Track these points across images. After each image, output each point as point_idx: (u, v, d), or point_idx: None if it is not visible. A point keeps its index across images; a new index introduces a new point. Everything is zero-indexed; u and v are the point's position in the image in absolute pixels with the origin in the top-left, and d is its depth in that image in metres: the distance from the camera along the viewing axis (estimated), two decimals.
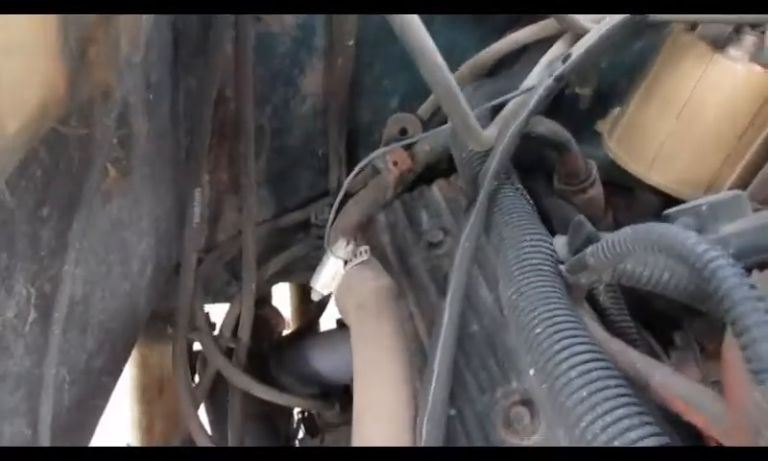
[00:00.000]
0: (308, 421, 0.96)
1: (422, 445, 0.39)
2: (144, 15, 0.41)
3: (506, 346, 0.49)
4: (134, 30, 0.41)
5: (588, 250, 0.43)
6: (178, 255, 0.67)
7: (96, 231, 0.42)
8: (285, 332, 1.02)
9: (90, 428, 0.49)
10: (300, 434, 0.94)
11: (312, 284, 0.52)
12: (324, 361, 0.78)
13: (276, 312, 1.02)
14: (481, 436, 0.47)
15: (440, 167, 0.72)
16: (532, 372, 0.41)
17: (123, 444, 0.84)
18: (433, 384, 0.41)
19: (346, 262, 0.52)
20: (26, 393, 0.34)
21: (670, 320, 0.56)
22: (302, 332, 0.94)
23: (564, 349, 0.37)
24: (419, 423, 0.41)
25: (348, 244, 0.52)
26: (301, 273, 0.93)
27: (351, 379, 0.79)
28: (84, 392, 0.44)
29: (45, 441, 0.35)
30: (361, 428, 0.39)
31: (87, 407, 0.45)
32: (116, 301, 0.48)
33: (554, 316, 0.40)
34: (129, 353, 0.56)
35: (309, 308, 1.39)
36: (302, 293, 1.41)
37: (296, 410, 0.92)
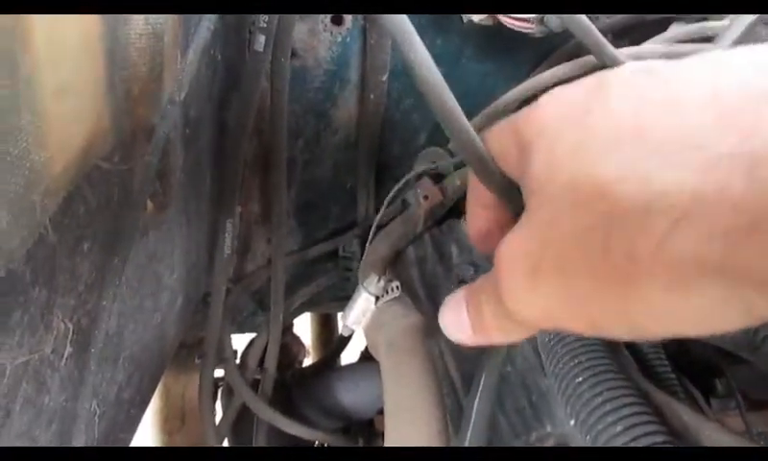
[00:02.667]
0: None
1: None
2: (188, 54, 0.42)
3: (540, 388, 0.48)
4: (178, 67, 0.42)
5: None
6: (206, 286, 0.67)
7: (133, 265, 0.42)
8: (306, 361, 1.01)
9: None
10: None
11: (343, 320, 0.52)
12: (348, 395, 0.77)
13: (298, 341, 1.01)
14: None
15: None
16: (572, 423, 0.39)
17: None
18: (470, 430, 0.40)
19: (377, 298, 0.51)
20: (59, 428, 0.34)
21: (710, 367, 0.54)
22: (326, 364, 0.93)
23: (606, 401, 0.36)
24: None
25: (379, 280, 0.51)
26: (326, 304, 0.93)
27: (375, 414, 0.78)
28: (113, 425, 0.44)
29: None
30: None
31: (115, 440, 0.45)
32: (147, 333, 0.48)
33: (595, 364, 0.38)
34: (156, 385, 0.56)
35: (330, 338, 1.38)
36: (323, 322, 1.40)
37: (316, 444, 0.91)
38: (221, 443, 0.61)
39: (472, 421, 0.40)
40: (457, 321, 0.31)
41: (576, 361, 0.40)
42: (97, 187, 0.33)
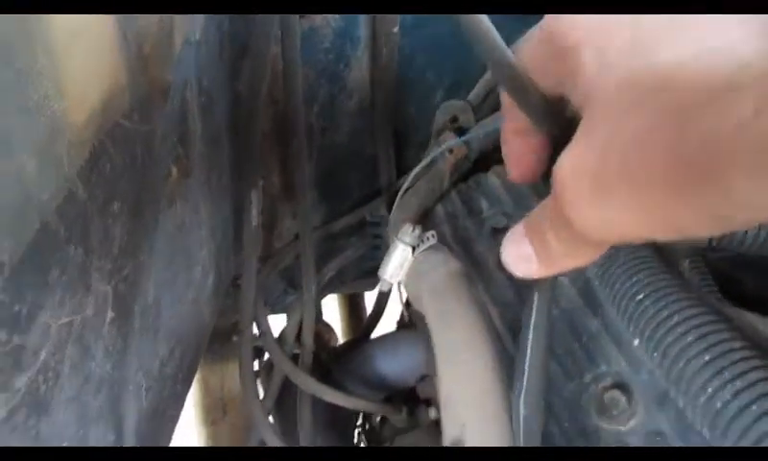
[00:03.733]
0: (369, 432, 0.94)
1: (521, 428, 0.37)
2: (196, 18, 0.41)
3: (589, 329, 0.46)
4: (187, 26, 0.41)
5: None
6: (236, 268, 0.67)
7: (163, 235, 0.41)
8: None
9: (166, 439, 0.48)
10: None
11: (380, 274, 0.50)
12: (388, 364, 0.76)
13: (329, 327, 1.01)
14: (574, 424, 0.44)
15: (495, 155, 0.70)
16: (636, 342, 0.38)
17: None
18: (528, 361, 0.38)
19: (413, 249, 0.50)
20: (108, 396, 0.33)
21: (764, 303, 0.52)
22: (361, 340, 0.92)
23: (675, 313, 0.34)
24: (513, 405, 0.38)
25: (413, 229, 0.50)
26: (353, 282, 0.92)
27: (417, 381, 0.76)
28: (159, 399, 0.43)
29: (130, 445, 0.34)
30: (452, 414, 0.36)
31: (164, 416, 0.45)
32: (183, 308, 0.48)
33: (657, 280, 0.37)
34: (197, 364, 0.56)
35: (359, 323, 1.38)
36: (351, 307, 1.40)
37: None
38: (267, 419, 0.60)
39: (527, 369, 0.38)
40: (521, 255, 0.29)
41: (634, 280, 0.39)
42: (121, 146, 0.33)
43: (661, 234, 0.23)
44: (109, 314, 0.32)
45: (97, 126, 0.29)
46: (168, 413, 0.46)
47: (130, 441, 0.34)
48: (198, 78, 0.44)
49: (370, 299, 1.08)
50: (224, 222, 0.58)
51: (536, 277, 0.30)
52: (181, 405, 0.50)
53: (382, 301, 0.84)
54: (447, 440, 0.36)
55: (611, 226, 0.24)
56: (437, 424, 0.76)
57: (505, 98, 0.31)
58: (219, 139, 0.53)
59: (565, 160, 0.24)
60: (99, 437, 0.33)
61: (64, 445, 0.29)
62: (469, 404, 0.36)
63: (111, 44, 0.30)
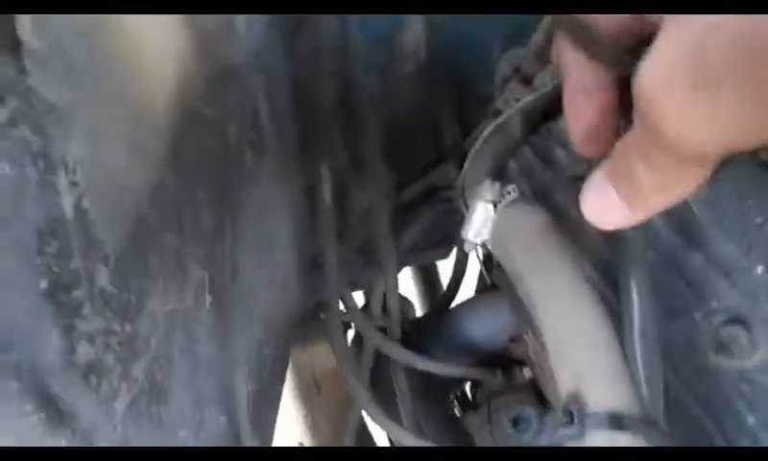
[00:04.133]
0: (462, 398, 0.93)
1: (641, 375, 0.35)
2: None
3: (694, 265, 0.43)
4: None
5: None
6: (313, 248, 0.67)
7: (247, 219, 0.41)
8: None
9: (273, 422, 0.49)
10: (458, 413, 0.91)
11: (463, 235, 0.49)
12: (476, 327, 0.75)
13: (406, 300, 1.00)
14: (689, 366, 0.41)
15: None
16: (760, 270, 0.34)
17: (296, 443, 0.86)
18: (635, 304, 0.36)
19: (495, 205, 0.47)
20: (218, 380, 0.34)
21: None
22: (445, 307, 0.91)
23: None
24: (628, 352, 0.36)
25: (493, 185, 0.48)
26: (428, 252, 0.91)
27: (507, 342, 0.75)
28: (261, 381, 0.44)
29: (246, 427, 0.35)
30: (565, 369, 0.34)
31: (268, 398, 0.45)
32: (274, 290, 0.48)
33: None
34: (290, 346, 0.56)
35: (435, 295, 1.37)
36: (426, 279, 1.39)
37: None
38: (367, 391, 0.60)
39: (636, 313, 0.35)
40: (604, 205, 0.26)
41: (749, 203, 0.35)
42: (198, 132, 0.33)
43: None
44: (208, 299, 0.33)
45: (175, 111, 0.29)
46: (271, 394, 0.46)
47: (244, 423, 0.35)
48: (258, 56, 0.44)
49: (445, 272, 1.07)
50: (298, 202, 0.58)
51: (627, 225, 0.27)
52: (281, 386, 0.51)
53: (460, 268, 0.82)
54: (564, 395, 0.34)
55: (720, 128, 0.20)
56: (532, 384, 0.74)
57: (563, 55, 0.28)
58: (284, 118, 0.52)
59: (651, 66, 0.21)
60: (213, 420, 0.33)
61: (183, 432, 0.30)
62: (584, 354, 0.34)
63: (180, 26, 0.30)
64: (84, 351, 0.20)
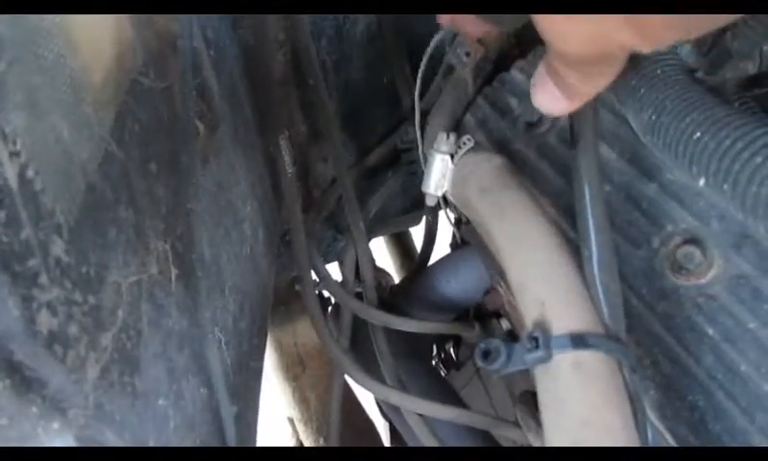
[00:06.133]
0: (446, 360, 0.94)
1: (600, 294, 0.36)
2: None
3: (647, 195, 0.44)
4: None
5: (728, 33, 0.37)
6: (283, 222, 0.67)
7: (205, 193, 0.41)
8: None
9: (256, 392, 0.50)
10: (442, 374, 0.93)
11: (424, 189, 0.49)
12: (451, 284, 0.76)
13: (382, 270, 1.01)
14: (651, 289, 0.43)
15: (515, 51, 0.67)
16: (702, 182, 0.36)
17: (285, 418, 0.87)
18: (591, 226, 0.37)
19: (452, 157, 0.48)
20: (191, 352, 0.34)
21: None
22: (420, 268, 0.92)
23: (737, 139, 0.32)
24: (587, 273, 0.37)
25: (448, 137, 0.48)
26: (398, 220, 0.91)
27: (482, 296, 0.76)
28: (240, 353, 0.44)
29: (224, 399, 0.35)
30: (529, 298, 0.35)
31: (248, 368, 0.46)
32: (242, 265, 0.48)
33: (712, 115, 0.34)
34: (267, 320, 0.56)
35: (410, 262, 1.38)
36: (400, 246, 1.40)
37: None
38: (348, 356, 0.60)
39: (593, 234, 0.37)
40: (549, 95, 0.31)
41: (688, 120, 0.36)
42: (143, 105, 0.32)
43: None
44: (173, 271, 0.33)
45: (116, 84, 0.29)
46: (251, 365, 0.47)
47: (222, 394, 0.35)
48: (202, 28, 0.43)
49: (417, 239, 1.08)
50: (260, 176, 0.58)
51: (570, 111, 0.32)
52: (262, 358, 0.51)
53: (432, 228, 0.83)
54: (529, 323, 0.35)
55: (589, 25, 0.25)
56: (510, 334, 0.76)
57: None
58: (237, 91, 0.52)
59: None
60: (193, 391, 0.34)
61: (161, 401, 0.30)
62: (545, 283, 0.35)
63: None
64: (46, 321, 0.20)
